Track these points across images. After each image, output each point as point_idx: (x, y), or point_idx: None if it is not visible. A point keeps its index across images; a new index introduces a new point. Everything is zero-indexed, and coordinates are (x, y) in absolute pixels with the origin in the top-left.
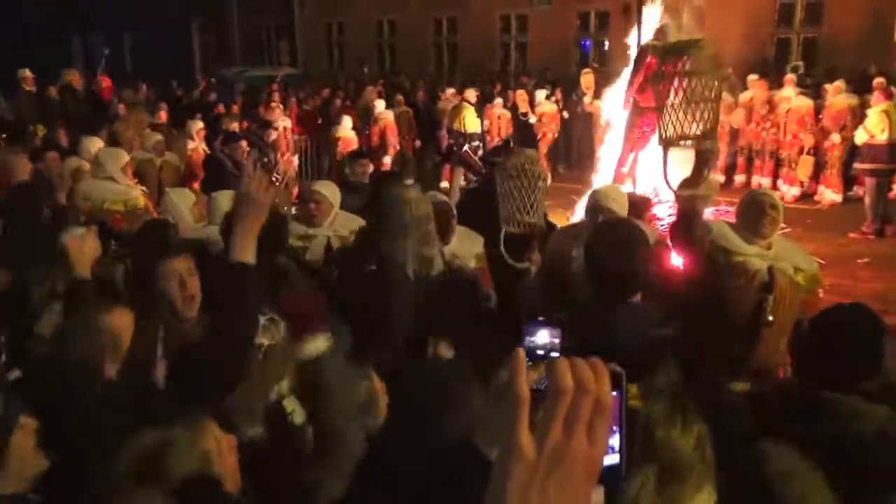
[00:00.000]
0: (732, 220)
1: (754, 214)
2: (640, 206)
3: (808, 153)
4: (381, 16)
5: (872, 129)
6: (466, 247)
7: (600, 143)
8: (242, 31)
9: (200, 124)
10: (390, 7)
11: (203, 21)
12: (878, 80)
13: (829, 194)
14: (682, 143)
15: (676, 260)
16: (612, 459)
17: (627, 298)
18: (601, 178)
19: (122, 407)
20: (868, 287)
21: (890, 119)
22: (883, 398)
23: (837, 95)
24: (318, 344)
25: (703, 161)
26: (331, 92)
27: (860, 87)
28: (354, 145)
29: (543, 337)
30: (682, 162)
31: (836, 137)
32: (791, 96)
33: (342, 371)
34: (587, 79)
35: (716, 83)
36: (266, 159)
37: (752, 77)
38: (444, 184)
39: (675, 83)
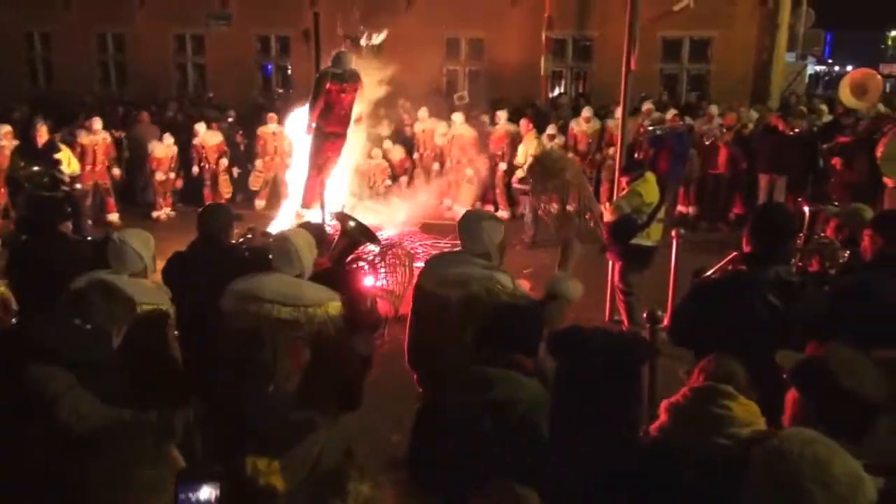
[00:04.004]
0: None
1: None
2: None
3: (469, 182)
4: (32, 27)
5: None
6: None
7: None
8: None
9: None
10: (43, 18)
11: None
12: (528, 112)
13: (499, 212)
14: None
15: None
16: None
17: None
18: (291, 203)
19: None
20: (530, 293)
21: (538, 143)
22: (536, 375)
23: (500, 123)
24: None
25: None
26: None
27: (517, 116)
28: None
29: (204, 493)
30: None
31: (502, 166)
32: (457, 123)
33: None
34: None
35: None
36: None
37: (423, 111)
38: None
39: None
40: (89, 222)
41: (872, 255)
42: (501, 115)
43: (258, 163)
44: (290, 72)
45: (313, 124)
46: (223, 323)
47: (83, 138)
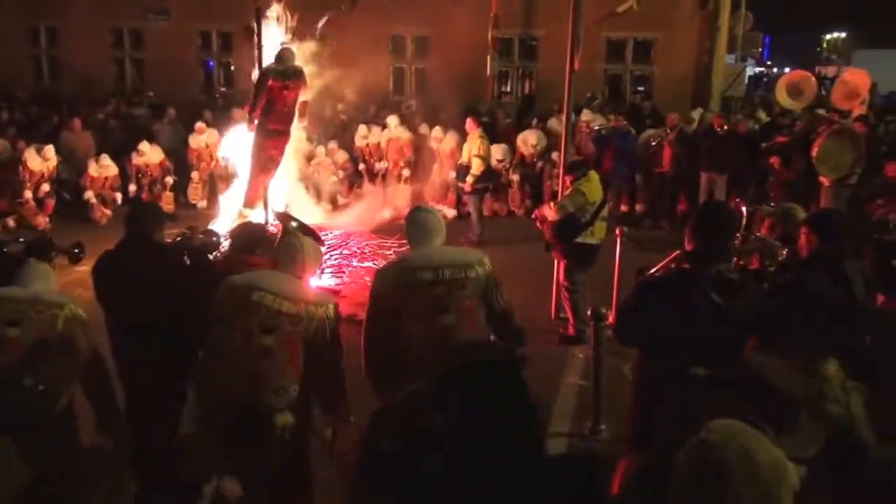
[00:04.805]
0: None
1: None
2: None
3: (405, 182)
4: None
5: (486, 154)
6: None
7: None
8: None
9: None
10: None
11: None
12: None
13: (447, 211)
14: None
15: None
16: None
17: None
18: (232, 201)
19: None
20: None
21: (483, 143)
22: None
23: (446, 137)
24: None
25: None
26: None
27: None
28: None
29: None
30: None
31: (452, 174)
32: (392, 126)
33: None
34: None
35: None
36: None
37: (362, 128)
38: None
39: None
40: None
41: (808, 252)
42: (436, 131)
43: (194, 175)
44: (232, 68)
45: (255, 121)
46: (216, 313)
47: (34, 164)
